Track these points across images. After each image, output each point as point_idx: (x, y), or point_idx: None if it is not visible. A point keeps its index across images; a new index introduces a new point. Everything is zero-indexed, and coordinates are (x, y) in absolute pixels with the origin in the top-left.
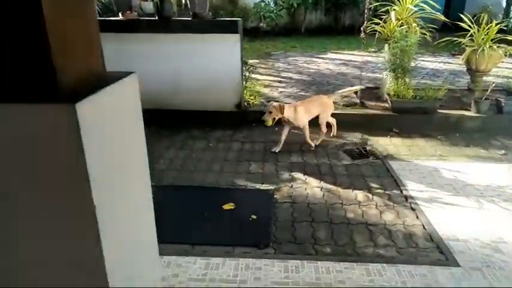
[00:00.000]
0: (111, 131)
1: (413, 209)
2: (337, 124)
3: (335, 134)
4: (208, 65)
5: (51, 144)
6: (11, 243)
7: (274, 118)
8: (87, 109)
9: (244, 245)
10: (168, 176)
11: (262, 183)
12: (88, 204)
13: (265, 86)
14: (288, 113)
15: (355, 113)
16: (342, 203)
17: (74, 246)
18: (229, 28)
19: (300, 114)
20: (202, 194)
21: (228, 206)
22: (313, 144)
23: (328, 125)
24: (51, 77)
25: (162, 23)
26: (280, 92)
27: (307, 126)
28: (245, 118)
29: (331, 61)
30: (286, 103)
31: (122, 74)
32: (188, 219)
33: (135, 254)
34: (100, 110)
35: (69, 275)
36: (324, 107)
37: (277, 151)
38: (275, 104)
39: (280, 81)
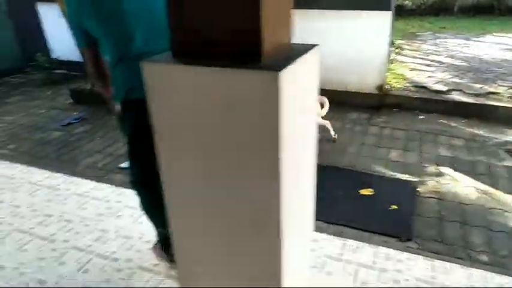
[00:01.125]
0: (297, 101)
1: None
2: (501, 119)
3: None
4: (352, 43)
5: (252, 109)
6: (207, 197)
7: None
8: (286, 78)
9: (383, 233)
10: None
11: (404, 173)
12: (275, 167)
13: (411, 69)
14: None
15: None
16: (502, 209)
17: (258, 208)
18: (380, 4)
19: None
20: (338, 175)
21: (365, 191)
22: None
23: None
24: (258, 45)
25: None
26: (429, 76)
27: None
28: (385, 102)
29: (491, 45)
30: None
31: (306, 47)
32: (324, 197)
33: (301, 221)
34: (294, 80)
35: (249, 229)
36: None
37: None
38: None
39: (428, 65)
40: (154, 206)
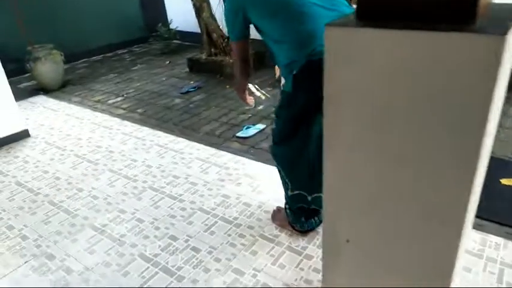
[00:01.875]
0: (505, 72)
1: None
2: None
3: None
4: None
5: (458, 80)
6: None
7: None
8: (509, 43)
9: None
10: None
11: None
12: (475, 150)
13: None
14: None
15: None
16: None
17: (441, 196)
18: None
19: None
20: None
21: (508, 181)
22: None
23: None
24: (474, 4)
25: None
26: None
27: None
28: None
29: None
30: None
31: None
32: None
33: (472, 214)
34: (508, 44)
35: (423, 219)
36: None
37: None
38: None
39: None
40: (297, 169)
